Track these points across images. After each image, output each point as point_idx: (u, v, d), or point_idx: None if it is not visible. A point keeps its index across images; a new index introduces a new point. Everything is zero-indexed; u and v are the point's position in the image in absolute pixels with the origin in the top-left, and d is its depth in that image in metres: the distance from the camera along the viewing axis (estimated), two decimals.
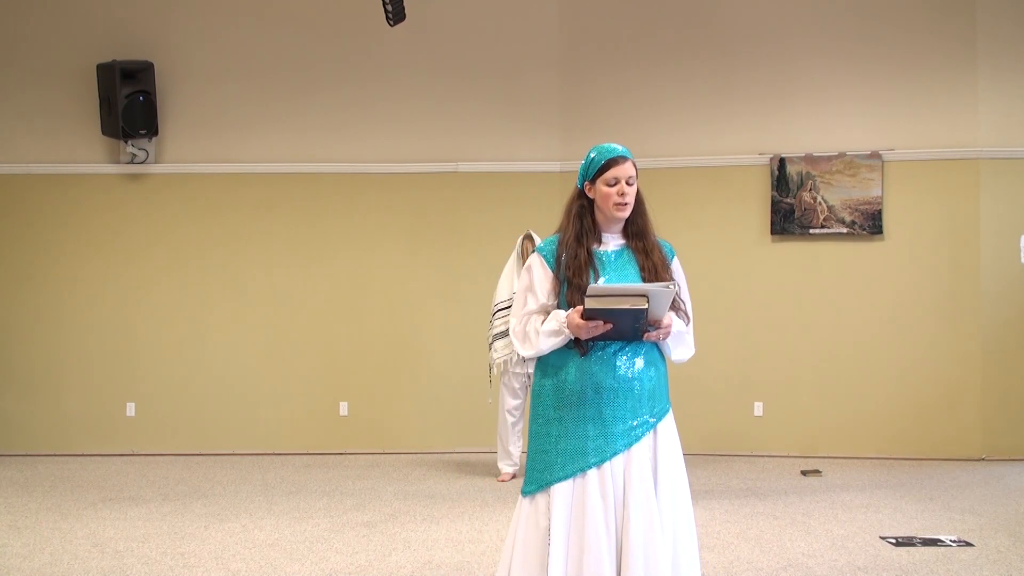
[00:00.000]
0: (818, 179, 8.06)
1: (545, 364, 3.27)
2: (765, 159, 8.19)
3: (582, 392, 3.16)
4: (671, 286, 3.02)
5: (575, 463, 3.11)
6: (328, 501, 6.45)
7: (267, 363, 8.50)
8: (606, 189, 3.23)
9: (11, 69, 8.47)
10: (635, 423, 3.14)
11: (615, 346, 3.17)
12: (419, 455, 8.24)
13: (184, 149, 8.55)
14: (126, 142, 8.37)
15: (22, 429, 8.39)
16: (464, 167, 8.51)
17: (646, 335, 3.10)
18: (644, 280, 3.20)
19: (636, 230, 3.30)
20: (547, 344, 3.18)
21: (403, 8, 7.48)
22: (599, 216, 3.30)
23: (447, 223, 8.50)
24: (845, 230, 8.04)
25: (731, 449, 8.18)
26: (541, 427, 3.23)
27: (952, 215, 7.94)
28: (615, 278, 3.21)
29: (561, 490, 3.11)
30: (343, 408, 8.49)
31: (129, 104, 8.13)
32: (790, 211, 8.13)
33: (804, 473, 7.36)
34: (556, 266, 3.24)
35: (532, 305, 3.26)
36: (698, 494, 6.62)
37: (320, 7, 8.55)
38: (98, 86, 8.27)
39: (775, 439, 8.15)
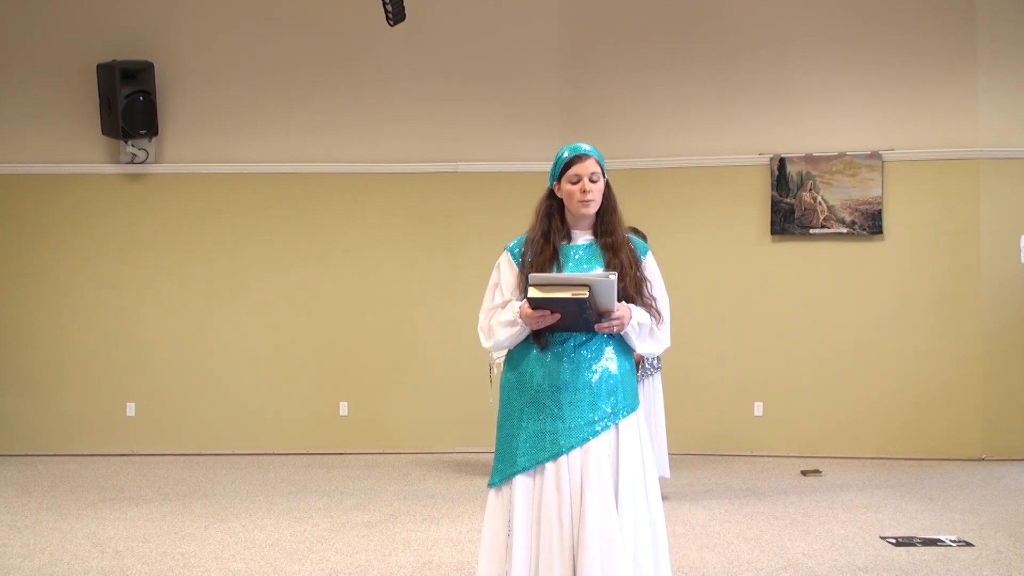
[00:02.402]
0: (818, 179, 8.07)
1: (510, 357, 3.32)
2: (765, 159, 8.19)
3: (541, 385, 3.19)
4: (611, 277, 3.02)
5: (533, 456, 3.15)
6: (328, 501, 6.45)
7: (267, 363, 8.50)
8: (569, 187, 3.27)
9: (11, 69, 8.48)
10: (593, 418, 3.15)
11: (577, 340, 3.19)
12: (419, 455, 8.24)
13: (184, 149, 8.55)
14: (126, 142, 8.37)
15: (22, 429, 8.39)
16: (464, 167, 8.51)
17: (598, 326, 3.11)
18: None
19: (605, 228, 3.31)
20: (504, 335, 3.23)
21: (403, 8, 7.48)
22: (568, 216, 3.32)
23: (447, 223, 8.50)
24: (845, 230, 8.04)
25: (731, 449, 8.18)
26: (505, 419, 3.28)
27: (952, 215, 7.94)
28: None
29: (521, 482, 3.16)
30: (343, 408, 8.50)
31: (129, 104, 8.13)
32: (790, 211, 8.13)
33: (804, 473, 7.36)
34: (522, 263, 3.28)
35: (498, 300, 3.32)
36: (698, 494, 6.63)
37: (320, 7, 8.55)
38: (98, 86, 8.27)
39: (775, 439, 8.15)
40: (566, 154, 3.29)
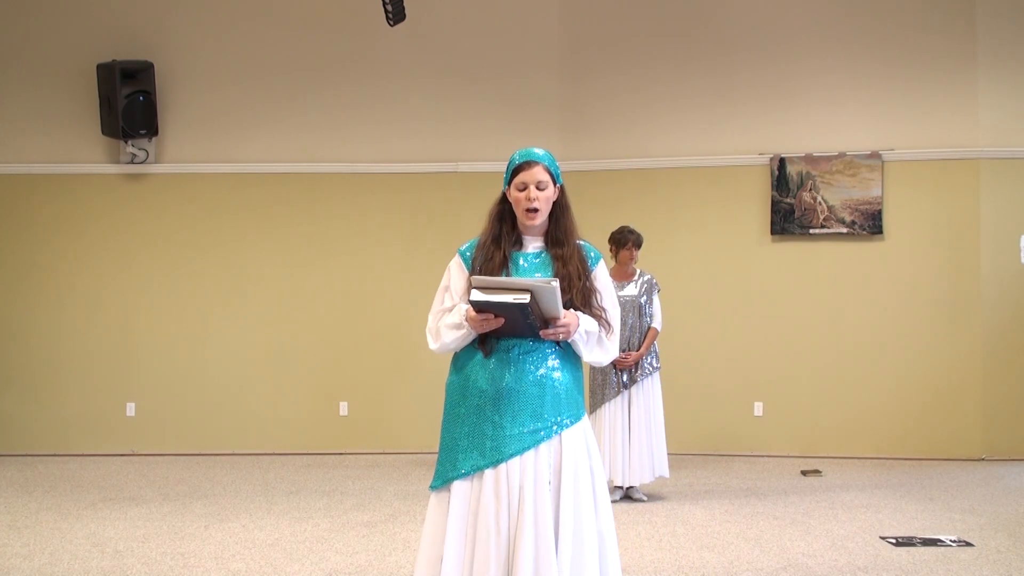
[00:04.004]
0: (818, 179, 8.07)
1: (456, 360, 3.30)
2: (765, 159, 8.19)
3: (484, 391, 3.16)
4: (553, 283, 2.97)
5: (473, 461, 3.13)
6: (328, 501, 6.45)
7: (267, 363, 8.50)
8: (516, 194, 3.19)
9: (11, 69, 8.48)
10: (533, 427, 3.10)
11: (522, 348, 3.15)
12: (419, 455, 8.24)
13: (184, 149, 8.55)
14: (126, 142, 8.37)
15: (22, 429, 8.39)
16: (464, 167, 8.51)
17: (543, 333, 3.07)
18: None
19: (556, 236, 3.25)
20: (450, 337, 3.21)
21: (403, 8, 7.48)
22: (519, 222, 3.26)
23: (447, 223, 8.48)
24: (845, 230, 8.04)
25: (731, 449, 8.18)
26: (448, 423, 3.27)
27: (952, 215, 7.95)
28: None
29: (460, 487, 3.13)
30: (343, 408, 8.50)
31: (129, 104, 8.13)
32: (790, 211, 8.13)
33: (804, 473, 7.37)
34: (472, 267, 3.26)
35: (447, 303, 3.30)
36: (698, 494, 6.63)
37: (320, 7, 8.55)
38: (98, 86, 8.27)
39: (775, 439, 8.15)
40: (517, 159, 3.22)
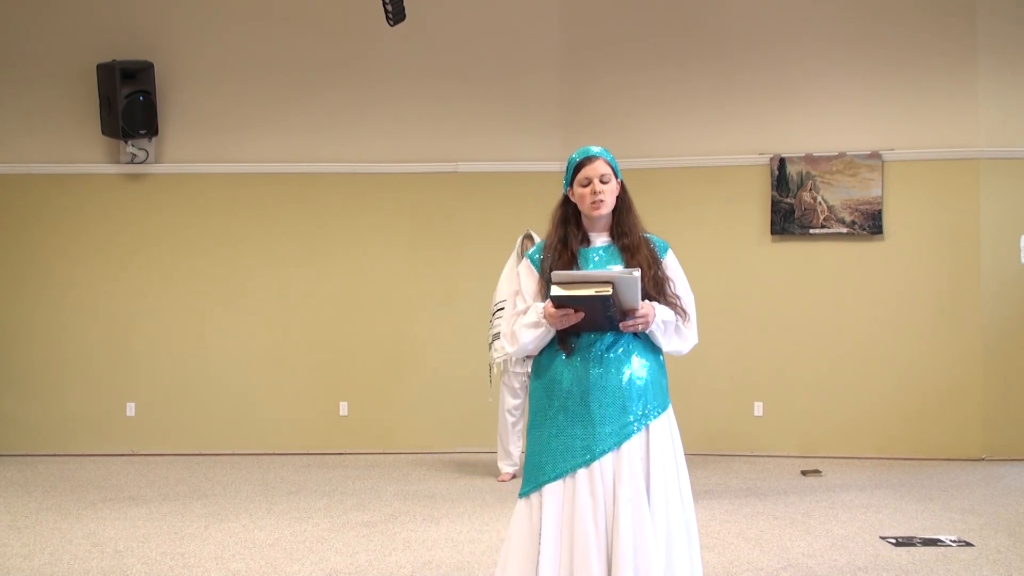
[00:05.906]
0: (818, 179, 8.07)
1: (537, 365, 3.31)
2: (765, 159, 8.19)
3: (570, 391, 3.17)
4: (635, 273, 3.01)
5: (564, 463, 3.12)
6: (328, 501, 6.45)
7: (267, 363, 8.50)
8: (581, 190, 3.27)
9: (11, 69, 8.48)
10: (622, 422, 3.12)
11: (603, 343, 3.17)
12: (419, 455, 8.24)
13: (184, 149, 8.55)
14: (126, 142, 8.37)
15: (22, 429, 8.39)
16: (464, 167, 8.51)
17: (622, 324, 3.09)
18: None
19: (621, 230, 3.32)
20: (528, 337, 3.21)
21: (403, 8, 7.48)
22: (584, 219, 3.33)
23: (447, 223, 8.50)
24: (845, 230, 8.04)
25: (731, 449, 8.18)
26: (534, 428, 3.26)
27: (952, 215, 7.95)
28: None
29: (552, 490, 3.13)
30: (343, 408, 8.50)
31: (129, 104, 8.13)
32: (790, 211, 8.13)
33: (804, 473, 7.37)
34: (542, 268, 3.29)
35: (520, 306, 3.31)
36: (698, 494, 6.60)
37: (320, 7, 8.55)
38: (98, 86, 8.27)
39: (775, 439, 8.15)
40: (576, 158, 3.30)
